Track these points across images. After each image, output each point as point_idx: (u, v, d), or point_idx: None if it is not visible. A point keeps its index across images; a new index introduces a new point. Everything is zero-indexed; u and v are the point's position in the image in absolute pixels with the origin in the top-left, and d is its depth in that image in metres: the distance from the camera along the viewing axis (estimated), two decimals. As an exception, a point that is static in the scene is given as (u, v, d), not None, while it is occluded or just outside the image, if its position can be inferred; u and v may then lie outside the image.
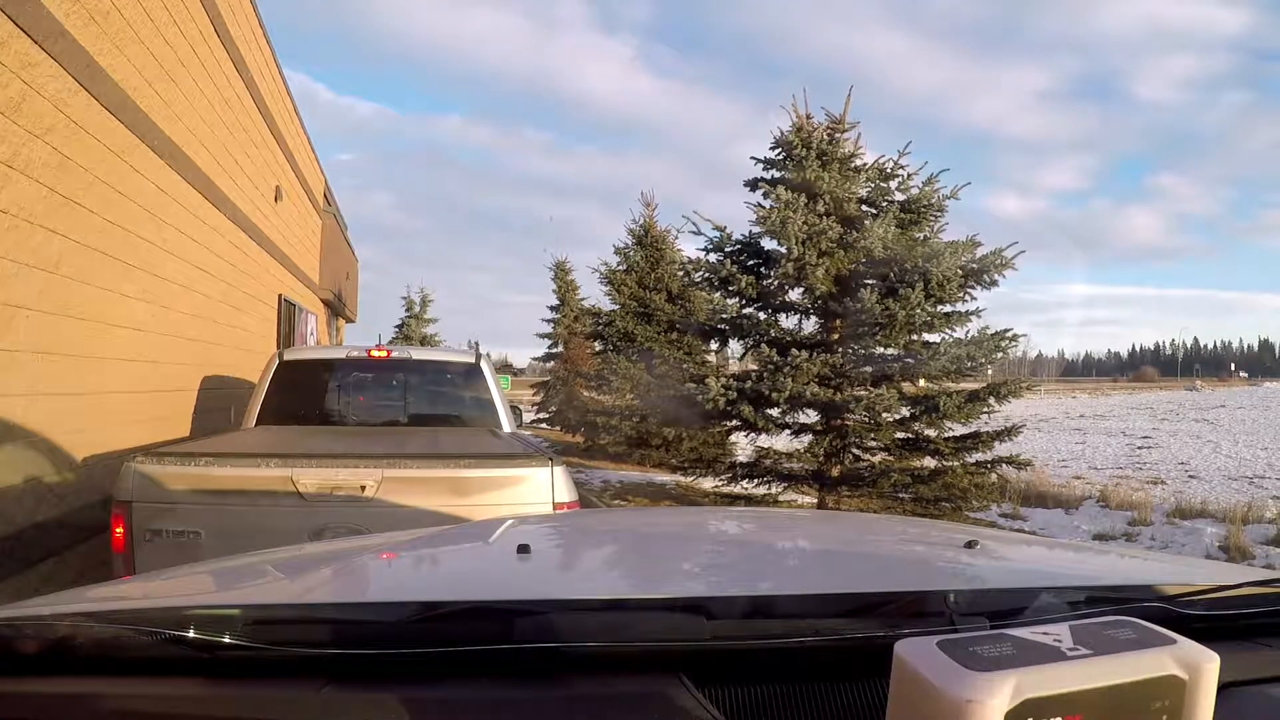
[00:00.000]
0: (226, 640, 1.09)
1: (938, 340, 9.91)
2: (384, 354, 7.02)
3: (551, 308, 29.24)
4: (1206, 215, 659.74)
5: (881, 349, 9.97)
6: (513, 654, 1.09)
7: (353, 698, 1.04)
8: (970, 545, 1.77)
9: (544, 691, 1.07)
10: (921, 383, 10.46)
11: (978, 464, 9.82)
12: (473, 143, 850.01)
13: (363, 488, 3.89)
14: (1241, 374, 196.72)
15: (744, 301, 10.77)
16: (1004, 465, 9.85)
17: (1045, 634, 0.91)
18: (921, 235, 10.28)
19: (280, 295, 13.84)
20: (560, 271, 29.19)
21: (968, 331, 9.89)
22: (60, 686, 1.08)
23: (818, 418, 10.41)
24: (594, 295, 28.71)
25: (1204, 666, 0.87)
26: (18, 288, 5.08)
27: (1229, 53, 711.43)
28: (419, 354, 7.49)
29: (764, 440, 11.28)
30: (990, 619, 1.17)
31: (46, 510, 5.51)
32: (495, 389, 6.80)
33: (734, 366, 13.12)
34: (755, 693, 1.08)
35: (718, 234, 10.89)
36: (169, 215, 7.87)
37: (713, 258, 10.96)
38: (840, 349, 10.22)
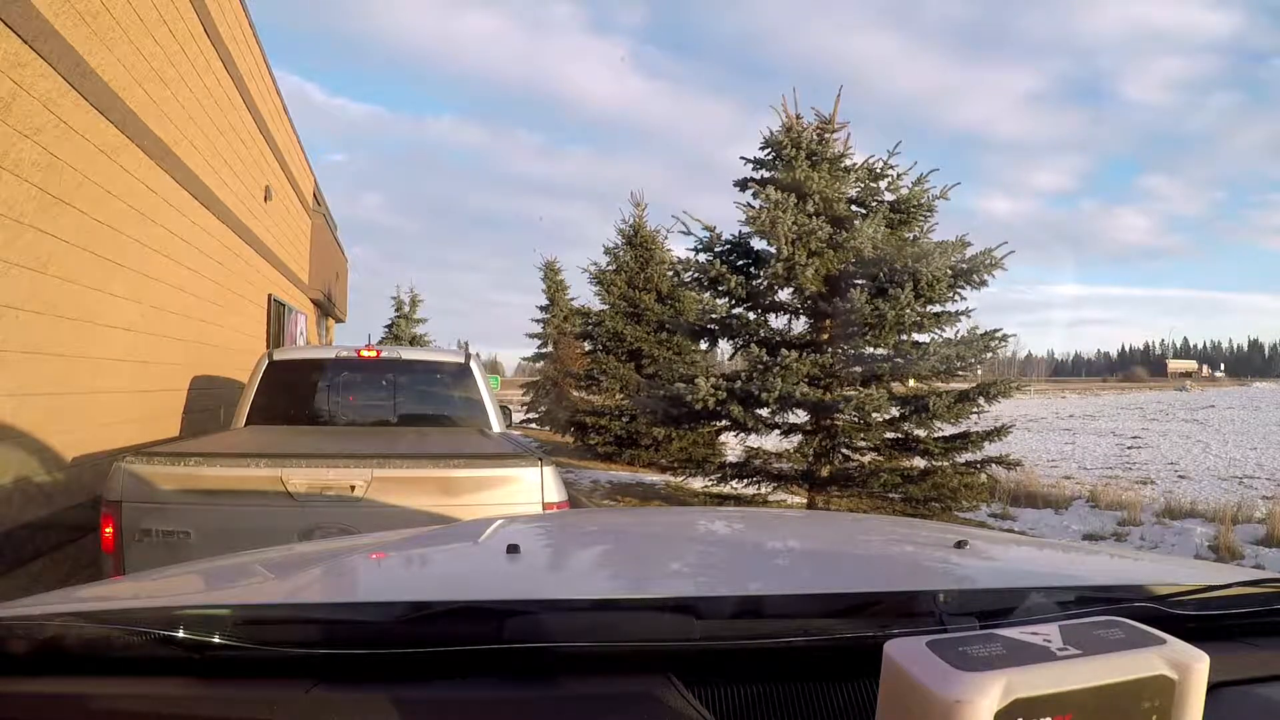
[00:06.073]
0: (216, 640, 1.09)
1: (927, 340, 9.92)
2: (374, 354, 7.01)
3: (541, 308, 29.31)
4: (1195, 216, 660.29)
5: (871, 349, 9.98)
6: (502, 654, 1.09)
7: (342, 698, 1.04)
8: (960, 545, 1.78)
9: (533, 691, 1.07)
10: (911, 383, 10.48)
11: (967, 464, 9.84)
12: (464, 143, 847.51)
13: (352, 488, 3.89)
14: (1218, 374, 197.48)
15: (733, 301, 10.78)
16: (993, 465, 9.87)
17: (1035, 634, 0.91)
18: (911, 235, 10.30)
19: (270, 295, 13.81)
20: (550, 272, 29.25)
21: (957, 331, 9.91)
22: (49, 686, 1.08)
23: (807, 418, 10.42)
24: (584, 295, 28.82)
25: (1194, 666, 0.88)
26: (7, 287, 5.06)
27: (1216, 54, 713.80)
28: (409, 354, 7.47)
29: (753, 440, 11.27)
30: (980, 619, 1.17)
31: (35, 510, 5.50)
32: (485, 389, 6.79)
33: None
34: (744, 693, 1.08)
35: (707, 234, 10.89)
36: (158, 215, 7.85)
37: (702, 258, 10.97)
38: (830, 349, 10.24)
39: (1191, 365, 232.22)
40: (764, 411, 10.14)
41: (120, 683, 1.08)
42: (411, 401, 7.07)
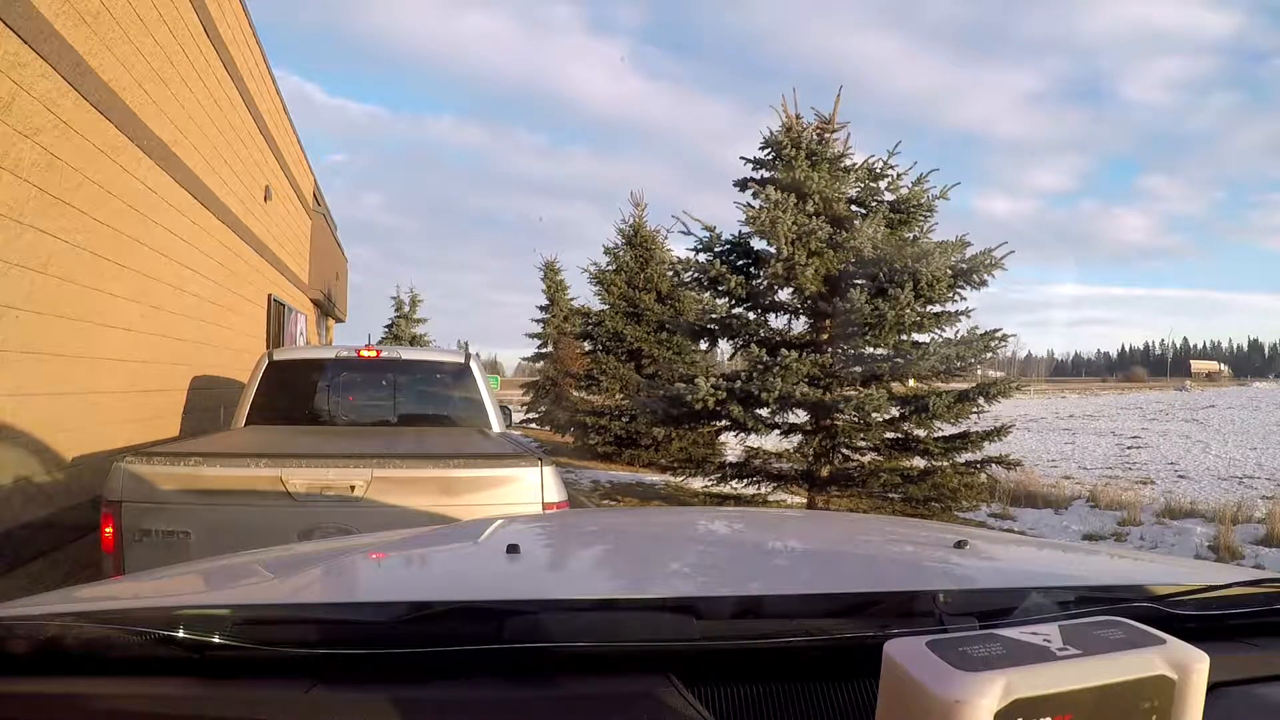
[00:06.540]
0: (215, 640, 1.09)
1: (927, 340, 9.93)
2: (373, 354, 7.01)
3: (541, 308, 29.32)
4: (1195, 216, 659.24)
5: (871, 349, 9.98)
6: (502, 654, 1.09)
7: (341, 698, 1.04)
8: (960, 545, 1.77)
9: (533, 691, 1.07)
10: (911, 383, 10.48)
11: (967, 464, 9.84)
12: (464, 143, 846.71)
13: (352, 488, 3.89)
14: (1202, 375, 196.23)
15: (733, 301, 10.79)
16: (993, 465, 9.87)
17: (1035, 634, 0.91)
18: (911, 235, 10.31)
19: (270, 295, 13.80)
20: (550, 272, 29.26)
21: (957, 331, 9.92)
22: (49, 686, 1.08)
23: (807, 418, 10.42)
24: (584, 295, 28.85)
25: (1193, 666, 0.88)
26: (7, 287, 5.06)
27: (1217, 55, 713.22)
28: (408, 354, 7.47)
29: (753, 440, 11.27)
30: (980, 619, 1.17)
31: (36, 510, 5.49)
32: (485, 389, 6.79)
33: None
34: (745, 692, 1.08)
35: (707, 234, 10.90)
36: (158, 215, 7.85)
37: (702, 258, 10.97)
38: (830, 349, 10.24)
39: (1215, 366, 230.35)
40: (764, 411, 10.14)
41: (120, 683, 1.08)
42: (411, 401, 7.07)
